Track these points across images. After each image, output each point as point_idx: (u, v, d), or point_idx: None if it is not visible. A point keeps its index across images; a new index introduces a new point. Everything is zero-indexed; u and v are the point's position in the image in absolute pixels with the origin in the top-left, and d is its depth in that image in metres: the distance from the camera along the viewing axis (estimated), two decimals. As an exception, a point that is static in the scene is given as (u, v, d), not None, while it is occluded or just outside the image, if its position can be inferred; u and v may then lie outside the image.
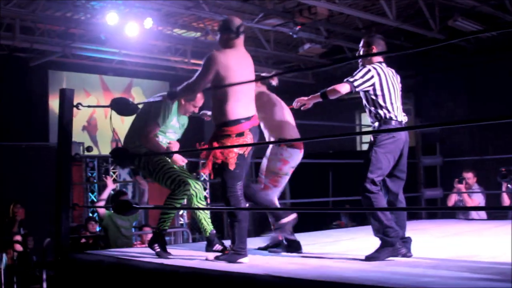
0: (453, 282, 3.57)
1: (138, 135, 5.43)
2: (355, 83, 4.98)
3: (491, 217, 8.88)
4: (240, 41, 5.07)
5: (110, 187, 8.04)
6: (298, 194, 13.26)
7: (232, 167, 4.83)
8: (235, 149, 4.82)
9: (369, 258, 4.67)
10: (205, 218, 5.56)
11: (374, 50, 5.21)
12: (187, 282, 4.12)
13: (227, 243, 5.40)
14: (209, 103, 5.19)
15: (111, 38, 13.41)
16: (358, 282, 3.45)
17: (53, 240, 5.44)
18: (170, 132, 5.61)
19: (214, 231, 5.55)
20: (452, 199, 9.07)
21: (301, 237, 5.60)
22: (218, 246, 5.44)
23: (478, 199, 9.01)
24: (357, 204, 5.74)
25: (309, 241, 6.09)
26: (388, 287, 3.31)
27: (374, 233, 4.87)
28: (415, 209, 9.47)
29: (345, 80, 5.04)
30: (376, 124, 5.08)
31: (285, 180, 5.80)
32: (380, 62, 5.16)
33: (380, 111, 5.02)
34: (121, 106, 5.46)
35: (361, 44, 5.35)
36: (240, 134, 4.85)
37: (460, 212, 9.06)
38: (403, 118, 5.14)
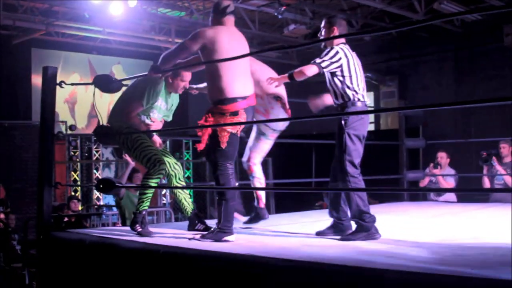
0: (407, 263, 3.60)
1: (120, 113, 5.41)
2: (323, 64, 4.96)
3: (462, 199, 8.95)
4: (229, 21, 5.07)
5: (131, 164, 7.94)
6: (281, 174, 13.31)
7: (223, 145, 4.82)
8: (228, 128, 4.80)
9: (343, 239, 4.72)
10: (185, 198, 5.56)
11: (336, 31, 5.15)
12: (169, 261, 4.13)
13: (211, 223, 5.42)
14: (196, 77, 5.19)
15: (95, 16, 13.34)
16: (336, 262, 3.47)
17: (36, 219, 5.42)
18: (154, 113, 5.57)
19: (196, 211, 5.54)
20: (426, 181, 9.11)
21: (283, 217, 5.62)
22: (200, 226, 5.43)
23: (451, 182, 9.09)
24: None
25: (290, 220, 6.12)
26: (365, 267, 3.33)
27: (350, 216, 4.91)
28: (397, 190, 9.51)
29: (312, 61, 5.04)
30: (342, 104, 5.07)
31: None
32: (343, 44, 5.13)
33: (348, 92, 5.00)
34: (104, 83, 5.42)
35: (322, 25, 5.28)
36: (235, 113, 4.83)
37: (431, 193, 9.12)
38: (367, 99, 5.17)
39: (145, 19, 14.27)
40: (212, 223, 5.34)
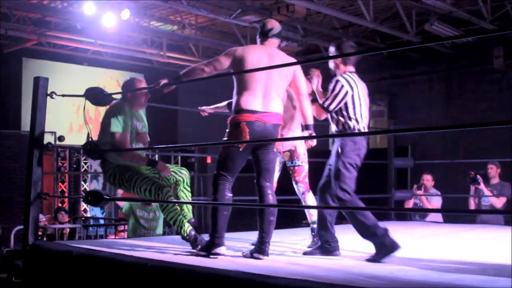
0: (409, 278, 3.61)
1: (114, 154, 5.41)
2: (331, 107, 5.04)
3: (448, 220, 8.98)
4: (271, 43, 5.10)
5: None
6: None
7: (221, 156, 4.85)
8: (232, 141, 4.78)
9: (369, 261, 4.64)
10: (187, 206, 5.49)
11: (343, 61, 5.24)
12: (156, 274, 4.12)
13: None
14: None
15: (87, 28, 13.35)
16: (325, 280, 3.47)
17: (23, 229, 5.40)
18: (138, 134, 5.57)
19: (193, 219, 5.44)
20: (410, 202, 9.14)
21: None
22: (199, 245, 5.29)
23: (437, 203, 9.12)
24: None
25: (278, 238, 6.12)
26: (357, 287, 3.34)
27: (361, 237, 4.87)
28: (386, 210, 9.52)
29: (321, 103, 5.12)
30: (342, 132, 5.09)
31: None
32: (351, 72, 5.17)
33: (349, 122, 5.01)
34: (96, 96, 5.43)
35: (332, 50, 5.37)
36: (235, 126, 4.80)
37: (416, 214, 9.15)
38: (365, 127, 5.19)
39: (137, 32, 14.30)
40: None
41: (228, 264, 4.22)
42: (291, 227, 8.18)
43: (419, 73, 15.47)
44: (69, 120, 15.59)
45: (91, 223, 13.21)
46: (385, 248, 4.63)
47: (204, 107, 6.16)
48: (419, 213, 9.17)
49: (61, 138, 14.69)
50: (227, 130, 4.85)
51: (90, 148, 5.45)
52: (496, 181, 8.71)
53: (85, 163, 15.16)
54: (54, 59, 16.04)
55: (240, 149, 4.80)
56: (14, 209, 12.73)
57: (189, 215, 5.47)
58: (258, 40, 5.13)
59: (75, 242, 6.14)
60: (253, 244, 5.05)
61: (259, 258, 4.60)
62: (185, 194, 5.58)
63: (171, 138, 16.85)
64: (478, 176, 8.53)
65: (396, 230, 7.27)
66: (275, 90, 4.92)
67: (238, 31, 14.29)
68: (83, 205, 14.73)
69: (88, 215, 14.82)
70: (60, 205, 13.65)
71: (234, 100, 4.90)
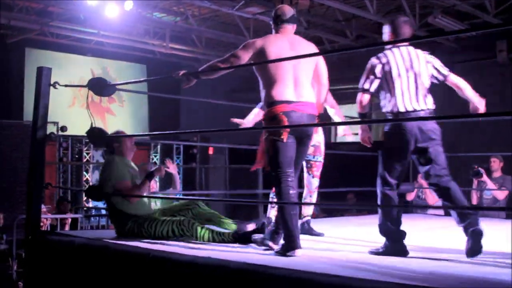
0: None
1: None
2: (365, 86, 4.76)
3: (449, 213, 8.95)
4: (286, 29, 4.91)
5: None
6: (271, 184, 13.29)
7: (270, 154, 4.65)
8: (272, 135, 4.61)
9: (371, 253, 4.58)
10: (225, 221, 5.44)
11: (392, 36, 4.83)
12: (157, 265, 4.13)
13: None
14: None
15: (90, 18, 13.34)
16: (324, 271, 3.48)
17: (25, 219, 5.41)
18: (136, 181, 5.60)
19: (238, 222, 5.39)
20: (412, 194, 9.14)
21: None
22: (250, 226, 5.25)
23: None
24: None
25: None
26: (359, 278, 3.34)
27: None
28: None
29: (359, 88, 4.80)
30: (387, 116, 4.75)
31: None
32: (405, 46, 4.75)
33: (386, 103, 4.71)
34: (99, 86, 5.42)
35: (386, 28, 4.95)
36: (272, 118, 4.61)
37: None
38: (421, 106, 4.63)
39: (140, 22, 14.28)
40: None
41: (232, 258, 4.22)
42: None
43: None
44: (71, 110, 15.62)
45: (93, 214, 13.24)
46: (391, 251, 4.50)
47: (239, 120, 5.93)
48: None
49: (63, 128, 14.68)
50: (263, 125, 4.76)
51: (94, 134, 5.47)
52: (498, 175, 8.71)
53: (87, 154, 15.16)
54: (57, 49, 16.04)
55: (284, 141, 4.58)
56: (16, 198, 12.74)
57: (228, 221, 5.42)
58: (273, 31, 4.96)
59: (77, 232, 6.16)
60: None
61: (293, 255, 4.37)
62: (209, 211, 5.54)
63: (173, 129, 16.86)
64: (481, 169, 8.52)
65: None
66: (305, 77, 4.76)
67: (241, 22, 14.26)
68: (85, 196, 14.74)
69: (90, 205, 14.83)
70: (61, 195, 13.67)
71: (264, 93, 4.73)
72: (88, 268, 4.71)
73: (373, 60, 4.74)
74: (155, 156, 16.56)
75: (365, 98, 4.77)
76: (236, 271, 3.67)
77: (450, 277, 3.57)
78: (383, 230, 4.66)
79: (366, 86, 4.75)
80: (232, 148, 16.81)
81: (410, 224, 7.17)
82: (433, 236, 6.17)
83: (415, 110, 4.58)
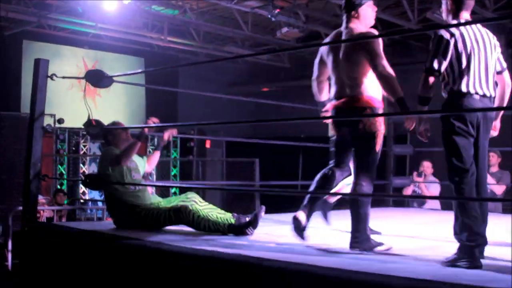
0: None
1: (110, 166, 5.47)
2: (435, 65, 4.01)
3: (445, 207, 8.98)
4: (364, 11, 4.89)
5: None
6: (268, 176, 13.32)
7: (378, 148, 4.58)
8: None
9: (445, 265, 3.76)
10: (218, 213, 5.37)
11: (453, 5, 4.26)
12: (150, 256, 4.13)
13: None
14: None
15: (88, 11, 13.31)
16: (320, 264, 3.48)
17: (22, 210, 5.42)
18: (134, 175, 5.59)
19: (235, 214, 5.33)
20: (409, 189, 9.17)
21: (270, 219, 5.62)
22: (245, 218, 5.23)
23: (435, 190, 9.14)
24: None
25: (276, 223, 6.14)
26: (355, 271, 3.35)
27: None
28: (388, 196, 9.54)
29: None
30: (451, 96, 4.08)
31: None
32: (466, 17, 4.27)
33: (450, 81, 4.04)
34: (96, 78, 5.43)
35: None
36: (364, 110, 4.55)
37: (414, 201, 9.17)
38: (490, 91, 4.05)
39: (138, 15, 14.26)
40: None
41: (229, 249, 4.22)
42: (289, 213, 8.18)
43: (420, 61, 15.41)
44: (69, 103, 15.60)
45: (90, 206, 13.25)
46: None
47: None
48: (417, 200, 9.19)
49: (60, 121, 14.69)
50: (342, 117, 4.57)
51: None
52: (495, 170, 8.73)
53: (84, 146, 15.15)
54: (55, 41, 16.00)
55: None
56: (13, 190, 12.73)
57: (227, 215, 5.34)
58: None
59: (73, 224, 6.16)
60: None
61: None
62: (207, 207, 5.48)
63: (170, 121, 16.85)
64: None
65: (394, 217, 7.32)
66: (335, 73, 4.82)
67: (239, 16, 14.25)
68: (82, 188, 14.74)
69: (87, 197, 14.84)
70: (58, 187, 13.68)
71: (358, 86, 4.60)
72: (84, 259, 4.72)
73: (443, 32, 4.04)
74: (152, 148, 16.55)
75: (431, 80, 4.07)
76: (231, 262, 3.68)
77: (446, 269, 3.58)
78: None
79: (435, 65, 4.02)
80: (229, 141, 16.85)
81: (408, 218, 7.20)
82: (430, 229, 6.17)
83: (484, 95, 3.99)
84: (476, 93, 3.95)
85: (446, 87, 4.07)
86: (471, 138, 3.92)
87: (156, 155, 5.99)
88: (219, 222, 5.18)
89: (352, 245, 4.37)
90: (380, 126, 4.55)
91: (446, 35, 3.99)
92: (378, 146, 4.53)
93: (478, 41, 4.03)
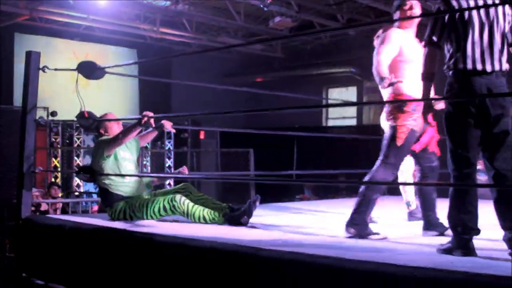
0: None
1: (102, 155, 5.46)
2: (430, 37, 3.87)
3: (442, 195, 8.95)
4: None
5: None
6: (262, 166, 13.32)
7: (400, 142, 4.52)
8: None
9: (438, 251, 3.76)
10: (213, 202, 5.39)
11: None
12: (147, 247, 4.12)
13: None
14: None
15: (80, 3, 13.26)
16: (315, 253, 3.47)
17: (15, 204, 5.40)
18: (126, 164, 5.55)
19: (230, 205, 5.32)
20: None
21: (264, 208, 5.62)
22: (245, 219, 5.17)
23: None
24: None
25: (272, 212, 6.13)
26: (349, 259, 3.34)
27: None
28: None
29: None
30: (450, 73, 3.84)
31: None
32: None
33: (450, 56, 3.83)
34: (88, 69, 5.40)
35: None
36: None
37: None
38: (495, 66, 3.73)
39: (130, 7, 14.20)
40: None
41: (220, 239, 4.22)
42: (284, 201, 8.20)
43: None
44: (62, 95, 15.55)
45: (85, 198, 13.22)
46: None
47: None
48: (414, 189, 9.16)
49: (53, 113, 14.65)
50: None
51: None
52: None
53: (78, 138, 15.13)
54: (47, 34, 15.94)
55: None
56: (6, 185, 12.71)
57: (222, 206, 5.33)
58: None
59: (68, 216, 6.14)
60: None
61: None
62: (202, 197, 5.48)
63: (164, 112, 16.83)
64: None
65: (389, 205, 7.32)
66: None
67: (232, 6, 14.22)
68: (76, 180, 14.72)
69: (82, 190, 14.82)
70: (53, 180, 13.65)
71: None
72: (79, 252, 4.70)
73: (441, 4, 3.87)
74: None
75: (429, 52, 3.89)
76: (227, 252, 3.67)
77: (441, 257, 3.58)
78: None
79: (435, 37, 3.86)
80: (223, 132, 16.84)
81: (398, 207, 7.20)
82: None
83: (484, 71, 3.70)
84: (475, 69, 3.69)
85: (447, 65, 3.84)
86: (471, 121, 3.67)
87: (152, 134, 5.90)
88: (214, 212, 5.18)
89: (348, 226, 4.39)
90: (403, 121, 4.46)
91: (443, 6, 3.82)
92: (400, 141, 4.43)
93: (479, 11, 3.74)
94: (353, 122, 18.05)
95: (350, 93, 18.00)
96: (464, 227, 3.68)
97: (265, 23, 15.11)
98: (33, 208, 8.64)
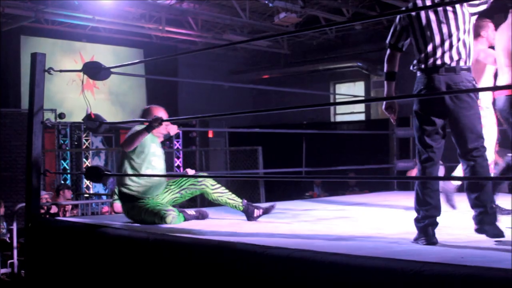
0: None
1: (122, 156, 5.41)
2: (389, 40, 4.19)
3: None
4: None
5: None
6: (271, 164, 13.29)
7: None
8: None
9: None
10: (229, 198, 5.39)
11: None
12: (158, 249, 4.11)
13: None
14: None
15: (85, 4, 13.26)
16: (324, 250, 3.44)
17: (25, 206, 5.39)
18: (154, 159, 5.44)
19: (245, 201, 5.37)
20: (413, 173, 9.13)
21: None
22: (258, 212, 5.27)
23: (440, 172, 9.10)
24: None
25: (281, 209, 6.11)
26: (360, 255, 3.31)
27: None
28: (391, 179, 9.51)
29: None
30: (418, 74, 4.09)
31: None
32: None
33: (419, 57, 4.04)
34: (93, 70, 5.38)
35: None
36: None
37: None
38: (453, 59, 3.95)
39: (135, 6, 14.20)
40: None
41: (235, 238, 4.19)
42: (294, 199, 8.18)
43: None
44: (70, 97, 15.58)
45: (94, 200, 13.23)
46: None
47: None
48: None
49: (61, 116, 14.66)
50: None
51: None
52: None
53: (86, 140, 15.14)
54: (53, 36, 15.95)
55: None
56: (16, 187, 12.74)
57: (238, 201, 5.36)
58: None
59: (77, 218, 6.13)
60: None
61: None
62: (219, 193, 5.43)
63: (171, 111, 16.83)
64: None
65: (398, 200, 7.29)
66: None
67: (236, 3, 14.19)
68: (86, 182, 14.74)
69: (91, 191, 14.83)
70: (62, 182, 13.66)
71: None
72: (88, 253, 4.69)
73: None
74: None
75: (389, 55, 4.23)
76: (235, 251, 3.65)
77: (449, 251, 3.55)
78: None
79: (393, 40, 4.19)
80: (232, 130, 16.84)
81: (408, 202, 7.15)
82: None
83: (444, 64, 3.95)
84: (434, 67, 3.94)
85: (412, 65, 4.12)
86: (429, 118, 3.96)
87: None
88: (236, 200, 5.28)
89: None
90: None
91: (401, 17, 4.12)
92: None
93: (436, 11, 3.98)
94: (361, 117, 18.00)
95: (357, 88, 17.95)
96: (422, 215, 3.91)
97: (270, 19, 15.09)
98: (43, 211, 8.64)
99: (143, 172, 5.30)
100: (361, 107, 17.86)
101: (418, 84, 4.02)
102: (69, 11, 13.67)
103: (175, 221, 5.08)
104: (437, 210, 3.95)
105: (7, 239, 9.42)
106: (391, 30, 4.18)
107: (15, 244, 8.01)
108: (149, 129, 5.12)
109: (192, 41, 16.68)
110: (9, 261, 8.35)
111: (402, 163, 8.95)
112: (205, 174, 5.74)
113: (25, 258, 5.60)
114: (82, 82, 5.27)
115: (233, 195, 5.43)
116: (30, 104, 5.33)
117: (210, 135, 17.90)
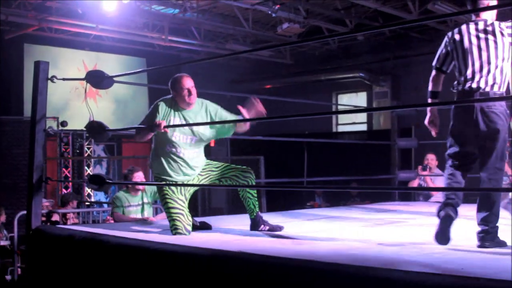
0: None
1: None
2: (435, 64, 4.69)
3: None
4: None
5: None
6: (273, 173, 13.30)
7: None
8: None
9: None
10: (253, 203, 5.38)
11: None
12: (159, 258, 4.10)
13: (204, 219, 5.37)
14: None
15: (89, 12, 13.28)
16: (328, 260, 3.45)
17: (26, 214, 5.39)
18: (176, 136, 5.38)
19: (260, 213, 5.37)
20: (415, 183, 9.13)
21: (276, 216, 5.59)
22: (263, 227, 5.28)
23: (441, 184, 9.10)
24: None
25: (282, 220, 6.10)
26: (358, 266, 3.31)
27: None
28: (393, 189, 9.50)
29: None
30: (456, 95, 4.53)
31: None
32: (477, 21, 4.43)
33: (459, 79, 4.44)
34: (97, 79, 5.39)
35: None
36: None
37: (421, 194, 9.15)
38: (488, 83, 4.28)
39: (138, 16, 14.22)
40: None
41: (230, 247, 4.19)
42: (295, 209, 8.17)
43: (422, 53, 15.40)
44: (72, 105, 15.60)
45: (96, 208, 13.23)
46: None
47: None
48: (423, 194, 9.15)
49: (63, 124, 14.67)
50: None
51: (94, 128, 5.43)
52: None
53: (88, 148, 15.15)
54: (56, 44, 15.98)
55: None
56: (18, 195, 12.75)
57: (256, 209, 5.35)
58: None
59: (78, 226, 6.13)
60: None
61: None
62: (250, 194, 5.41)
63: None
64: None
65: (400, 211, 7.28)
66: None
67: (240, 13, 14.22)
68: (87, 190, 14.74)
69: (92, 200, 14.83)
70: (65, 190, 13.66)
71: None
72: (89, 261, 4.69)
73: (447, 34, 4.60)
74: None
75: (434, 76, 4.77)
76: (235, 260, 3.65)
77: (449, 262, 3.55)
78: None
79: (438, 64, 4.69)
80: (233, 139, 16.83)
81: (410, 213, 7.17)
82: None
83: (479, 89, 4.29)
84: (471, 88, 4.30)
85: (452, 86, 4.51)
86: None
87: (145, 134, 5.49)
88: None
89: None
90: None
91: (446, 38, 4.57)
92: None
93: (479, 37, 4.32)
94: (363, 127, 17.99)
95: (360, 99, 17.96)
96: None
97: (273, 29, 15.10)
98: (44, 218, 8.65)
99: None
100: (363, 117, 17.85)
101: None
102: (72, 19, 13.69)
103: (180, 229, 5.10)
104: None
105: (8, 246, 9.43)
106: (437, 54, 4.61)
107: (16, 251, 8.02)
108: (153, 128, 5.15)
109: (195, 50, 16.70)
110: (10, 268, 8.37)
111: (403, 174, 8.95)
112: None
113: (26, 265, 5.60)
114: (85, 91, 5.29)
115: (257, 203, 5.44)
116: (33, 112, 5.34)
117: (212, 144, 17.87)
